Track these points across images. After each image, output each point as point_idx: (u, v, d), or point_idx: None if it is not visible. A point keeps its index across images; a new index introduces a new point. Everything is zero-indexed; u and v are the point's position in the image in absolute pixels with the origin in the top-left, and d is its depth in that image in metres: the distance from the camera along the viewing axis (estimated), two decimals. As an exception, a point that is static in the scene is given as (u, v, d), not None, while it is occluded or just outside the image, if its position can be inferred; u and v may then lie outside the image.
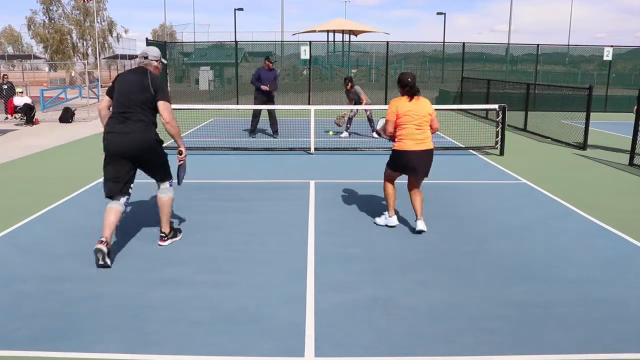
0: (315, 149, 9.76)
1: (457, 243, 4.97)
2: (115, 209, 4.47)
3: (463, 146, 10.45)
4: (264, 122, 12.18)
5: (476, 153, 9.93)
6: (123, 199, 4.56)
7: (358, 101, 11.82)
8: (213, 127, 13.61)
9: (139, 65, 4.72)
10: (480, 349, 3.14)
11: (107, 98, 4.63)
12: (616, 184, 7.54)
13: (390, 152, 5.28)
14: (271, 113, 11.62)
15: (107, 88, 4.82)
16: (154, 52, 4.74)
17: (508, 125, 11.53)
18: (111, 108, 4.57)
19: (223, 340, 3.21)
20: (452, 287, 3.99)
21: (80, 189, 6.94)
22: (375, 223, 5.51)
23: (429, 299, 3.79)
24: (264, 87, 11.09)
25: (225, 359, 3.02)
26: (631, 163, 8.85)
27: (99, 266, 4.25)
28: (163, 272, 4.22)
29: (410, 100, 5.01)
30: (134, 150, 4.47)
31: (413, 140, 5.01)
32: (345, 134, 12.88)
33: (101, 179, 7.56)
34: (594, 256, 4.65)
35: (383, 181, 5.44)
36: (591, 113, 10.32)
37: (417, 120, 4.99)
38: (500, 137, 9.81)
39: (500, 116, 9.80)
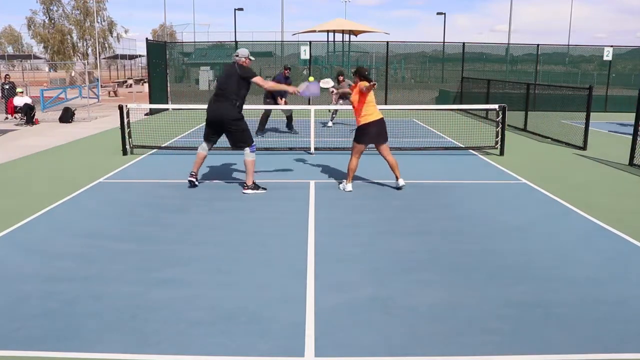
0: (315, 149, 9.76)
1: (457, 243, 4.97)
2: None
3: (463, 146, 10.45)
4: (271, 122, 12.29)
5: (476, 153, 9.93)
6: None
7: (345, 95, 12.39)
8: (213, 127, 13.60)
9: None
10: (480, 349, 3.14)
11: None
12: (616, 184, 7.54)
13: (357, 130, 6.76)
14: (285, 112, 12.49)
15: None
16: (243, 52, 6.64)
17: (508, 125, 11.52)
18: None
19: (223, 340, 3.21)
20: (452, 287, 3.99)
21: (80, 189, 6.94)
22: (338, 188, 7.00)
23: (429, 299, 3.79)
24: (280, 101, 11.86)
25: (225, 359, 3.02)
26: (631, 163, 8.84)
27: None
28: (163, 272, 4.22)
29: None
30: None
31: (373, 114, 6.64)
32: (330, 124, 13.18)
33: (101, 179, 7.59)
34: (594, 256, 4.65)
35: (350, 156, 6.84)
36: (591, 113, 10.32)
37: (373, 99, 6.70)
38: (500, 137, 9.81)
39: (500, 116, 9.80)
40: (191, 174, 6.91)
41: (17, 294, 3.80)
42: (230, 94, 6.42)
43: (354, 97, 6.71)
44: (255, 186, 6.73)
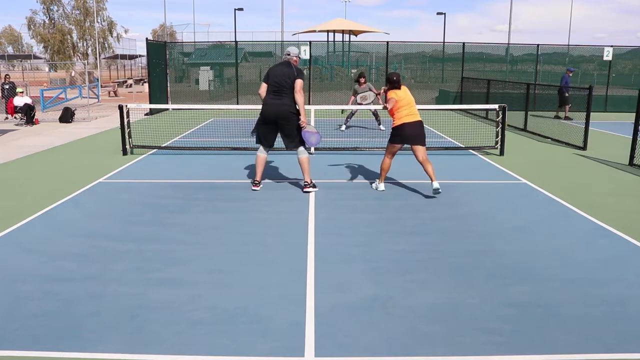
0: (315, 149, 9.75)
1: (457, 243, 4.97)
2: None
3: (463, 146, 10.45)
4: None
5: (476, 153, 9.93)
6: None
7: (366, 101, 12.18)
8: (213, 127, 13.61)
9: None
10: (480, 349, 3.14)
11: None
12: (616, 184, 7.54)
13: (391, 131, 6.80)
14: None
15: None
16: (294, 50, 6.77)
17: (508, 125, 11.52)
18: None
19: (223, 340, 3.21)
20: (452, 287, 3.99)
21: (80, 189, 6.94)
22: (371, 187, 7.11)
23: (429, 299, 3.79)
24: None
25: (225, 359, 3.02)
26: (631, 163, 8.84)
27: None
28: (163, 272, 4.22)
29: (399, 90, 6.75)
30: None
31: (406, 116, 6.66)
32: (342, 127, 13.07)
33: (101, 179, 7.58)
34: (594, 256, 4.65)
35: (384, 156, 6.97)
36: (591, 113, 10.32)
37: (407, 101, 6.70)
38: (500, 137, 9.80)
39: (500, 116, 9.80)
40: (255, 183, 6.87)
41: (17, 294, 3.80)
42: (289, 91, 6.47)
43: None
44: (313, 184, 6.81)
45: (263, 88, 6.60)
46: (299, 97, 6.47)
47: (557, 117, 15.84)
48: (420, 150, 6.66)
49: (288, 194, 6.79)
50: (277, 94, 6.48)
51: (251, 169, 8.28)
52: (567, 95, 15.67)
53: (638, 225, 5.53)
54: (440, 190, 6.49)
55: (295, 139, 6.63)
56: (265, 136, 6.71)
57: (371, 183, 7.23)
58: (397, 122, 6.66)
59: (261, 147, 6.80)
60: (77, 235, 5.13)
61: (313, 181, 6.86)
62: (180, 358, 3.02)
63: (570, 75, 16.12)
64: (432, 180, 6.57)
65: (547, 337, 3.27)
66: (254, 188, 6.85)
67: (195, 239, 5.03)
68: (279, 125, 6.57)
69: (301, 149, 6.70)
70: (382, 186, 6.96)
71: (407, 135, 6.65)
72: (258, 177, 6.86)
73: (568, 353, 3.09)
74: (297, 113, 6.54)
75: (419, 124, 6.69)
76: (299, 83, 6.46)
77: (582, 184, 7.49)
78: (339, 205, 6.24)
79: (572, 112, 15.21)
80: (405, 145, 6.80)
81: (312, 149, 9.68)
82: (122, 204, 6.28)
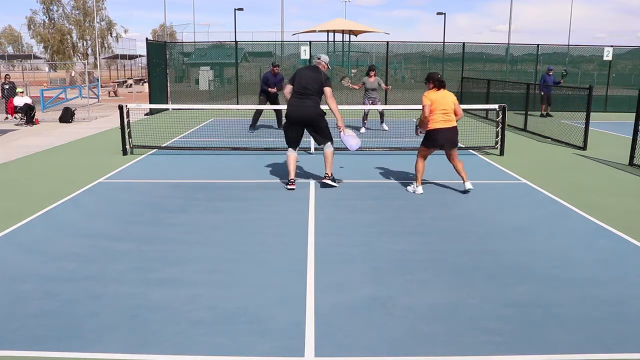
0: (316, 149, 9.75)
1: (457, 243, 4.97)
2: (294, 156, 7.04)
3: (463, 146, 10.42)
4: (264, 121, 12.76)
5: (476, 153, 9.93)
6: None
7: (372, 96, 12.43)
8: (213, 127, 13.61)
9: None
10: (480, 349, 3.14)
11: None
12: (616, 184, 7.53)
13: (424, 134, 6.80)
14: (277, 112, 12.62)
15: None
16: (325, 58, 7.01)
17: (508, 125, 11.52)
18: None
19: (223, 340, 3.21)
20: (452, 287, 3.99)
21: (80, 189, 6.94)
22: (406, 190, 6.92)
23: (429, 299, 3.79)
24: (271, 90, 12.26)
25: (225, 359, 3.02)
26: (631, 163, 8.84)
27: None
28: (163, 272, 4.22)
29: (437, 91, 6.59)
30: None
31: (441, 122, 6.55)
32: (363, 130, 12.86)
33: (101, 179, 7.61)
34: (594, 256, 4.65)
35: (416, 158, 6.88)
36: (591, 113, 10.32)
37: (443, 107, 6.55)
38: (500, 137, 9.81)
39: (500, 116, 9.80)
40: (290, 182, 6.95)
41: (17, 294, 3.80)
42: (314, 94, 6.70)
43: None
44: (334, 178, 7.05)
45: (288, 89, 6.81)
46: (332, 103, 6.73)
47: (542, 115, 16.20)
48: (452, 153, 6.77)
49: (288, 194, 6.78)
50: (301, 96, 6.68)
51: (251, 169, 8.28)
52: (542, 94, 16.19)
53: (638, 225, 5.53)
54: (471, 189, 6.69)
55: (325, 136, 6.90)
56: (292, 138, 6.92)
57: (406, 187, 7.04)
58: (431, 127, 6.56)
59: (290, 149, 6.99)
60: (77, 235, 5.13)
61: (333, 174, 7.08)
62: (180, 358, 3.02)
63: (551, 74, 16.48)
64: (463, 181, 6.74)
65: (547, 337, 3.27)
66: (290, 187, 6.91)
67: (195, 239, 5.03)
68: (306, 125, 6.84)
69: (329, 143, 6.93)
70: (420, 189, 6.77)
71: (440, 141, 6.61)
72: (292, 176, 6.97)
73: (568, 353, 3.09)
74: (323, 113, 6.82)
75: (453, 130, 6.64)
76: (328, 91, 6.71)
77: (582, 184, 7.48)
78: (339, 205, 6.24)
79: (572, 112, 15.23)
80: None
81: (312, 149, 9.68)
82: (122, 204, 6.28)
